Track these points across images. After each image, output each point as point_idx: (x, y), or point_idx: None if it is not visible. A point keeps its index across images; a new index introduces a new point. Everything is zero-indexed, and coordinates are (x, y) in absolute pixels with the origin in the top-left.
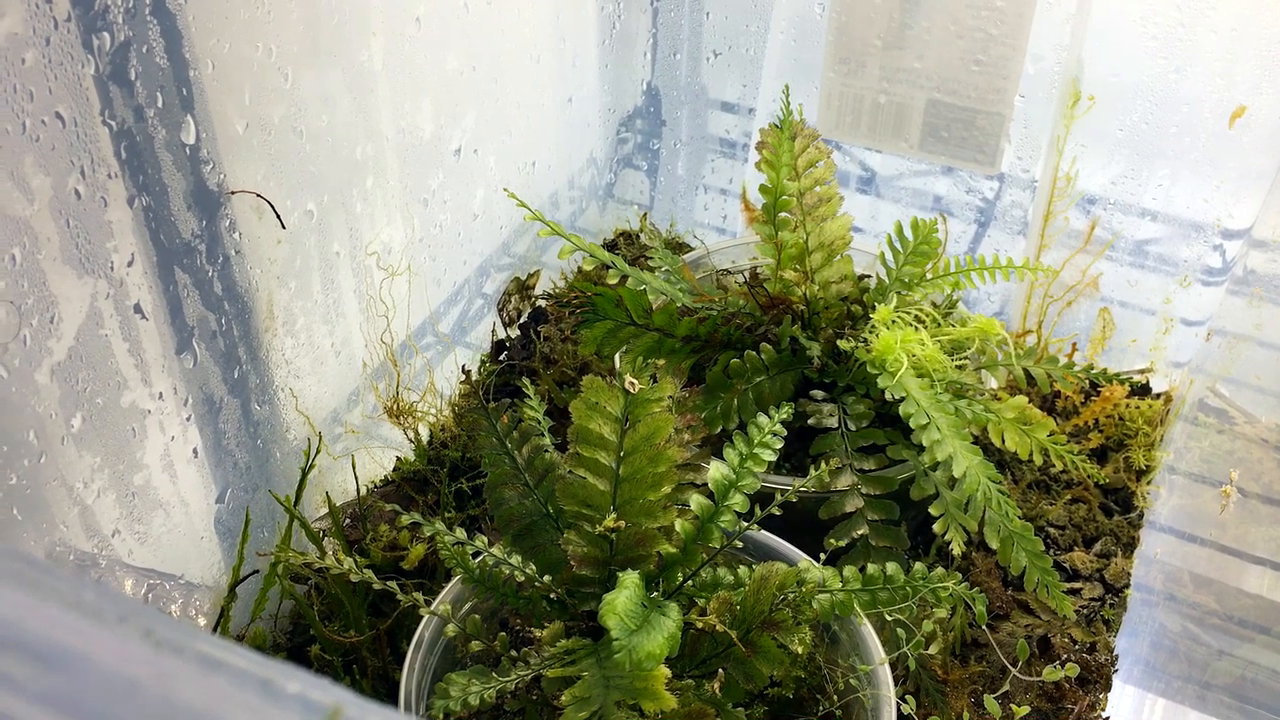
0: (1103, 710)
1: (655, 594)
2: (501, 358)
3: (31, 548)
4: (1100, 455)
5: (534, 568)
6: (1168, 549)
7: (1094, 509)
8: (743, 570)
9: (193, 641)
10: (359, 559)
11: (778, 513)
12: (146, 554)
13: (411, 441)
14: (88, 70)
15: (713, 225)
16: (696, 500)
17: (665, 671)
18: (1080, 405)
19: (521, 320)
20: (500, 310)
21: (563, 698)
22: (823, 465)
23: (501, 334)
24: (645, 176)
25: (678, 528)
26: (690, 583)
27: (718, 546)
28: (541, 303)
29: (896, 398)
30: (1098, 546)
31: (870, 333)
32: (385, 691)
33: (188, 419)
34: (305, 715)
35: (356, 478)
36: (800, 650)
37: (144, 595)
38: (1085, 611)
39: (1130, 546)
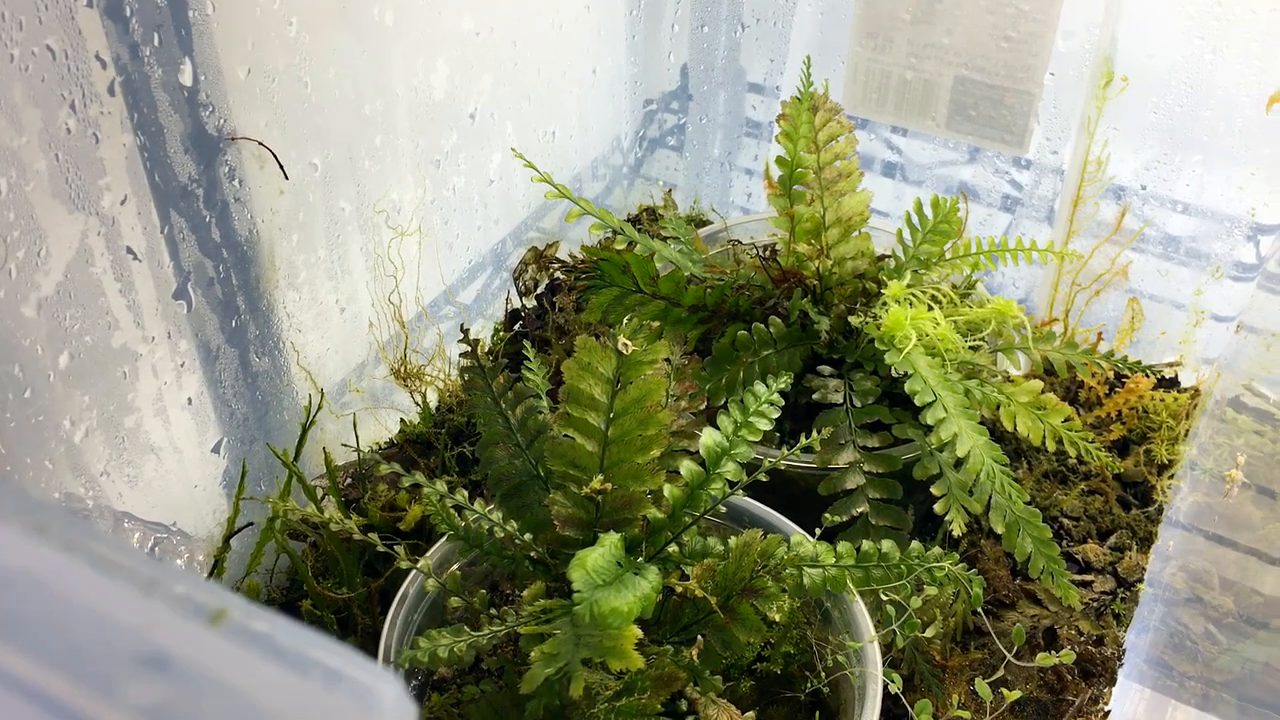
0: (1105, 704)
1: (639, 558)
2: (516, 327)
3: (15, 483)
4: (1122, 448)
5: (515, 525)
6: (1184, 545)
7: (1111, 501)
8: (734, 540)
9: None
10: (356, 518)
11: (764, 479)
12: (136, 498)
13: (418, 405)
14: (80, 2)
15: (738, 205)
16: (687, 466)
17: (636, 631)
18: (1104, 397)
19: (539, 291)
20: (516, 279)
21: (532, 654)
22: (814, 434)
23: (517, 303)
24: (673, 153)
25: (666, 493)
26: (678, 549)
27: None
28: (559, 274)
29: (903, 374)
30: (1112, 539)
31: (882, 309)
32: (373, 649)
33: (182, 365)
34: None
35: (357, 436)
36: (778, 618)
37: (150, 548)
38: (1095, 605)
39: (1147, 541)
